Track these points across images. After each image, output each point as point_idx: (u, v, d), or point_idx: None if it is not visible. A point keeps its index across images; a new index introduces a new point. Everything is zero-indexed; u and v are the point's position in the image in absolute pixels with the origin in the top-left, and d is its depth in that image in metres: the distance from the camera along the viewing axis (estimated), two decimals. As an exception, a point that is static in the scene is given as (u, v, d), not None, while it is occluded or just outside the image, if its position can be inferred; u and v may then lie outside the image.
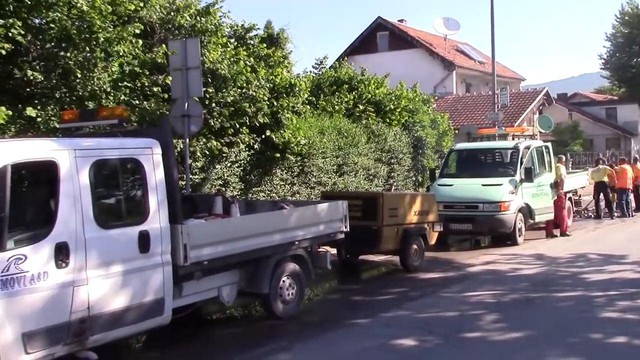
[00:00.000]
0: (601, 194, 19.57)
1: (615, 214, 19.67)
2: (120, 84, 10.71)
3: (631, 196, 20.30)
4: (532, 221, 15.43)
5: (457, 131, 24.54)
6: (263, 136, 13.66)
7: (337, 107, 18.12)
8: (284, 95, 14.17)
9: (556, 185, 15.95)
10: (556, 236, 15.70)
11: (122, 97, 10.66)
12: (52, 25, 9.30)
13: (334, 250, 11.25)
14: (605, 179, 19.29)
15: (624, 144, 46.60)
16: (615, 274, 10.98)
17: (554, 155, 16.72)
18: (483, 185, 14.71)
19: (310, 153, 15.27)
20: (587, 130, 43.66)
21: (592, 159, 26.53)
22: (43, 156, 6.13)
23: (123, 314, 6.44)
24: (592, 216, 19.66)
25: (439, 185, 15.34)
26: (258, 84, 13.26)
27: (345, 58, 25.66)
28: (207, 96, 12.07)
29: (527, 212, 14.96)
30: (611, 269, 11.38)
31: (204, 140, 12.13)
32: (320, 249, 9.71)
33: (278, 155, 14.10)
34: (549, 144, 17.01)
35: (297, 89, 14.56)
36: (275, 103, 13.79)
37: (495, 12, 23.96)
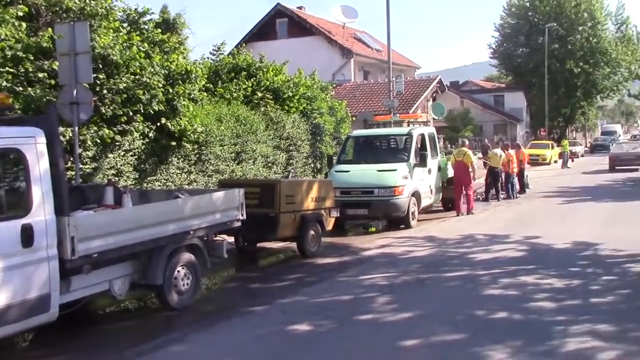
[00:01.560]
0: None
1: (502, 197, 20.86)
2: (1, 70, 10.14)
3: (516, 179, 21.58)
4: (426, 204, 16.11)
5: (354, 118, 25.02)
6: (158, 124, 13.35)
7: (235, 95, 17.99)
8: (180, 82, 13.91)
9: (463, 168, 16.85)
10: (463, 214, 17.00)
11: (4, 83, 10.11)
12: None
13: (231, 239, 11.22)
14: (500, 164, 20.42)
15: (510, 130, 49.27)
16: (499, 252, 11.65)
17: (452, 141, 17.54)
18: (378, 170, 15.14)
19: (207, 141, 15.09)
20: (477, 117, 45.75)
21: (481, 144, 27.80)
22: None
23: (4, 313, 6.14)
24: (481, 199, 20.69)
25: (336, 171, 15.63)
26: (152, 70, 12.95)
27: (244, 45, 25.45)
28: (98, 83, 11.68)
29: (419, 195, 15.56)
30: (496, 249, 12.04)
31: (95, 128, 11.71)
32: (217, 238, 9.68)
33: (174, 143, 13.84)
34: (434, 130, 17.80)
35: (193, 75, 14.32)
36: (170, 90, 13.52)
37: (392, 2, 24.53)
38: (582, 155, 49.46)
